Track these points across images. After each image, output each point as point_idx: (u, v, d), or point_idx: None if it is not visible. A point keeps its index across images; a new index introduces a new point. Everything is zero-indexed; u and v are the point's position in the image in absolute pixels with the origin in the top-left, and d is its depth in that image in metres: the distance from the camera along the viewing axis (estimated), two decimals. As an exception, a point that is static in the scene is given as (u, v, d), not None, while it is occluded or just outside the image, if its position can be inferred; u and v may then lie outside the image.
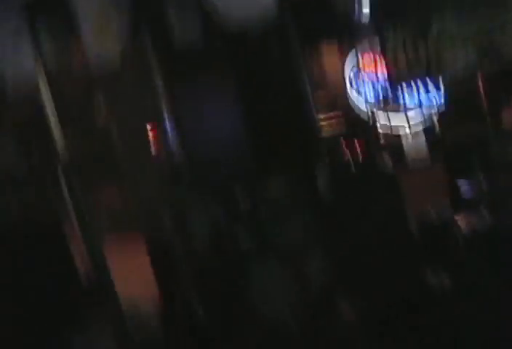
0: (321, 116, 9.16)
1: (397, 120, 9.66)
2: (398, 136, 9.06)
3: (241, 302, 6.95)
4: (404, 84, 8.25)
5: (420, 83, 8.65)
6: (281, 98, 8.86)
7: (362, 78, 9.67)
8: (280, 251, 6.93)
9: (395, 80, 8.20)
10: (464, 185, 7.54)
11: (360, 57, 9.53)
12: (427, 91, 9.26)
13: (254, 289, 6.56)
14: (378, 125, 9.52)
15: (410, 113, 9.59)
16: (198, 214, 7.27)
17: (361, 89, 9.81)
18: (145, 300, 7.90)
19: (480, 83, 8.51)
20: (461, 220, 7.32)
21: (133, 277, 8.27)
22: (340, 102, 10.73)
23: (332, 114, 9.21)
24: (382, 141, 9.16)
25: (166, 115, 8.61)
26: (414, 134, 8.66)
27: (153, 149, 8.65)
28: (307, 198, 7.36)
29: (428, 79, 8.15)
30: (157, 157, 8.69)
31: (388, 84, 9.10)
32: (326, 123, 8.98)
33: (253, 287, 6.68)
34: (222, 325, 7.00)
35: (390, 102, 9.87)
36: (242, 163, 8.72)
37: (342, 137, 8.59)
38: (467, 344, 6.04)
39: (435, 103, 9.39)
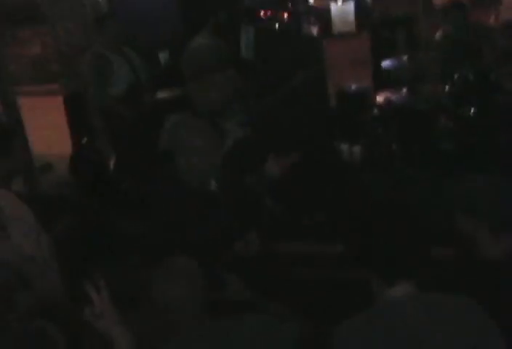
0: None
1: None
2: (326, 4, 8.97)
3: (155, 156, 6.98)
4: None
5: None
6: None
7: None
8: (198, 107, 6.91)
9: None
10: (387, 61, 7.56)
11: None
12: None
13: (169, 143, 6.52)
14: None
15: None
16: (118, 68, 7.09)
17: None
18: (57, 152, 7.86)
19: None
20: (379, 95, 7.38)
21: (47, 129, 8.20)
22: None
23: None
24: (310, 7, 9.06)
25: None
26: (344, 6, 8.55)
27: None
28: (229, 57, 7.24)
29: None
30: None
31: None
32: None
33: (168, 142, 6.65)
34: (133, 176, 7.03)
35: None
36: (170, 23, 8.59)
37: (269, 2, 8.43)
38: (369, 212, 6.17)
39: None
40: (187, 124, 5.19)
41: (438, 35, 7.81)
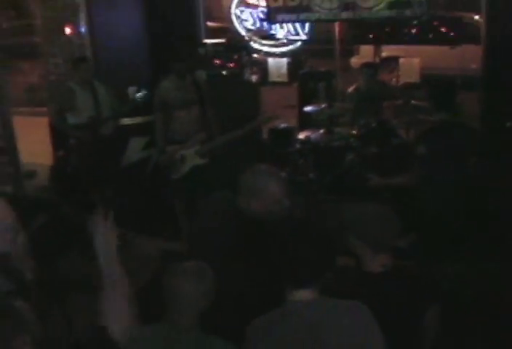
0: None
1: (267, 46, 9.63)
2: (266, 59, 9.03)
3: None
4: (277, 19, 8.06)
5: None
6: (175, 20, 8.60)
7: (245, 8, 9.60)
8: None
9: (270, 14, 8.01)
10: (310, 107, 7.54)
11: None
12: (295, 28, 9.19)
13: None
14: (252, 48, 9.48)
15: (279, 42, 9.57)
16: (82, 102, 6.90)
17: (243, 17, 9.71)
18: (41, 162, 7.73)
19: (336, 29, 8.46)
20: (302, 133, 7.37)
21: (34, 143, 8.05)
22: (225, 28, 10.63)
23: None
24: (252, 60, 9.08)
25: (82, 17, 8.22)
26: (279, 60, 8.60)
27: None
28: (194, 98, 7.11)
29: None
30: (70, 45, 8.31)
31: (264, 17, 8.95)
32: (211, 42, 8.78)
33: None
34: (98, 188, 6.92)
35: (264, 31, 9.80)
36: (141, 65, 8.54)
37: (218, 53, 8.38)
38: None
39: (299, 37, 9.35)
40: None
41: (351, 89, 7.84)
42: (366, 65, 7.86)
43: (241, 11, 9.66)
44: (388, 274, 2.90)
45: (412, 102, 6.91)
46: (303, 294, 2.52)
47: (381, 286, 2.85)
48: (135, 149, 7.21)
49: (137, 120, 7.46)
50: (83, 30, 8.22)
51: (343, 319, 2.50)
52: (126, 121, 7.38)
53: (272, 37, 9.63)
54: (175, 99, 6.36)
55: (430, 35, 12.93)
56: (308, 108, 7.36)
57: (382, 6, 7.35)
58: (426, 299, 2.91)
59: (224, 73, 8.12)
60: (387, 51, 12.62)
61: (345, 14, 7.56)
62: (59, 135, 7.56)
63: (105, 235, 2.49)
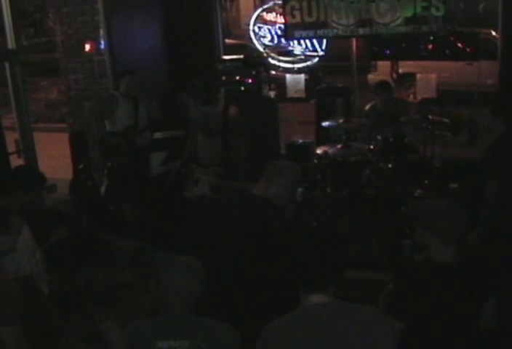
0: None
1: (285, 62, 9.71)
2: (284, 75, 9.08)
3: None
4: (295, 35, 8.15)
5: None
6: (194, 37, 8.75)
7: (263, 25, 9.72)
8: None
9: (288, 31, 8.09)
10: (327, 122, 7.57)
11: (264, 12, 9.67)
12: (312, 44, 9.25)
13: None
14: (270, 64, 9.57)
15: (296, 58, 9.64)
16: (122, 110, 7.04)
17: (261, 33, 9.82)
18: (61, 176, 7.81)
19: (353, 45, 8.53)
20: (320, 148, 7.39)
21: (55, 158, 8.17)
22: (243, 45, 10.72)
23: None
24: (270, 76, 9.14)
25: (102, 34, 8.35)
26: (297, 77, 8.65)
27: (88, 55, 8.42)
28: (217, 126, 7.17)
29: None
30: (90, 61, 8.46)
31: (282, 33, 9.03)
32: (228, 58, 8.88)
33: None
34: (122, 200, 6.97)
35: (281, 47, 9.91)
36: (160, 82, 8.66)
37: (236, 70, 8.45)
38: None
39: (317, 53, 9.41)
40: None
41: (367, 107, 7.86)
42: (381, 86, 7.74)
43: (259, 28, 9.77)
44: (457, 265, 3.03)
45: (429, 117, 6.94)
46: (317, 298, 2.61)
47: (450, 277, 2.99)
48: (155, 164, 7.31)
49: (157, 135, 7.57)
50: (102, 46, 8.36)
51: (356, 322, 2.57)
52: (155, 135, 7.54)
53: (290, 53, 9.72)
54: (199, 123, 6.56)
55: (447, 51, 12.94)
56: (325, 123, 7.39)
57: (399, 22, 7.42)
58: (488, 291, 3.05)
59: (242, 88, 8.20)
60: (404, 67, 12.69)
61: (362, 31, 7.63)
62: (78, 150, 7.69)
63: None
